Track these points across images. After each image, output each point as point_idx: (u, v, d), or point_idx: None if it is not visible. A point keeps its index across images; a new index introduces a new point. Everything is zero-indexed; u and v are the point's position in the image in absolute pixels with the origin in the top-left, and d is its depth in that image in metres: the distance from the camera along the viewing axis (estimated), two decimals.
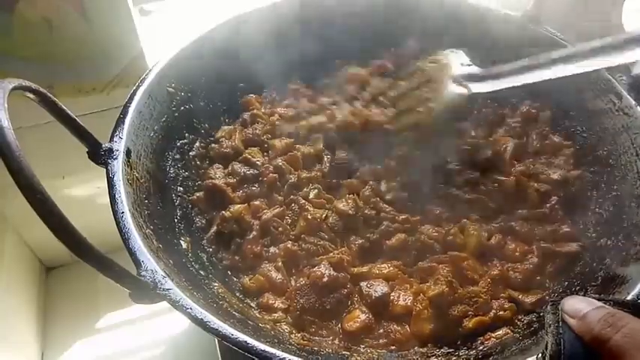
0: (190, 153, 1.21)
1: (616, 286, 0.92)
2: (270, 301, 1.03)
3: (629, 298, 0.85)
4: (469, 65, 1.20)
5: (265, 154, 1.27)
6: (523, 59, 1.10)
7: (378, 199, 1.19)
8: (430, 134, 1.21)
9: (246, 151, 1.25)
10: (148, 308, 0.86)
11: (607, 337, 0.59)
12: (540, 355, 0.65)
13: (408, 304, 1.02)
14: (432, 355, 0.96)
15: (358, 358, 0.95)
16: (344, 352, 0.96)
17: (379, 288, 1.04)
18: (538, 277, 1.08)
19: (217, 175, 1.19)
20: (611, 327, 0.60)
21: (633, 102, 1.10)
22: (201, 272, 1.01)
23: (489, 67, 1.18)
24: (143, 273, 0.79)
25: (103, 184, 0.90)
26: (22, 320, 1.60)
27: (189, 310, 0.77)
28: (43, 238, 1.67)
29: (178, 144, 1.19)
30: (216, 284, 1.01)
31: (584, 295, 0.95)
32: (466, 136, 1.33)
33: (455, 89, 1.16)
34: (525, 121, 1.32)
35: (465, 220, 1.16)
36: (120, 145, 0.95)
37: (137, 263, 0.81)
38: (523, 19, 1.28)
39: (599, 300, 0.66)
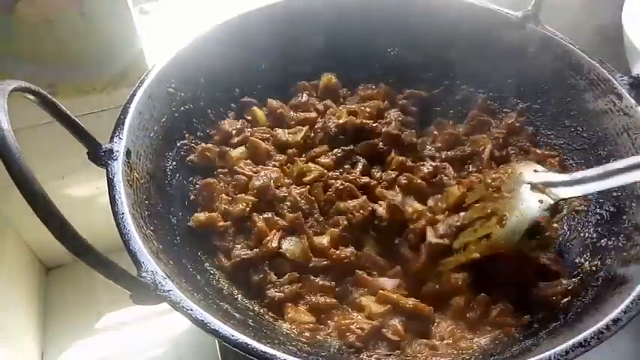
0: (190, 153, 1.21)
1: (617, 286, 0.92)
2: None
3: (630, 298, 0.85)
4: (545, 172, 1.08)
5: None
6: (606, 165, 1.00)
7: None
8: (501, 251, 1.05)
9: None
10: (148, 308, 0.87)
11: None
12: None
13: None
14: None
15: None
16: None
17: None
18: None
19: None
20: None
21: (634, 102, 1.10)
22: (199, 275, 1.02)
23: (570, 169, 1.20)
24: (143, 274, 0.79)
25: (103, 184, 0.91)
26: (22, 320, 1.60)
27: (189, 312, 0.78)
28: (43, 238, 1.65)
29: (178, 144, 1.18)
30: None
31: None
32: (447, 128, 1.38)
33: (533, 197, 1.02)
34: (509, 132, 1.33)
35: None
36: (120, 146, 0.95)
37: (137, 264, 0.81)
38: (523, 18, 1.28)
39: None
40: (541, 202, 1.00)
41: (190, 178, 1.19)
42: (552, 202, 1.00)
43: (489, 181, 1.13)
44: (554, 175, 1.05)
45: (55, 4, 1.23)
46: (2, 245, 1.57)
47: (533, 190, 1.03)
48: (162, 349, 1.66)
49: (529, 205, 1.01)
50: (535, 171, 1.07)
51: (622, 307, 0.84)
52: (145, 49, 1.41)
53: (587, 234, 1.12)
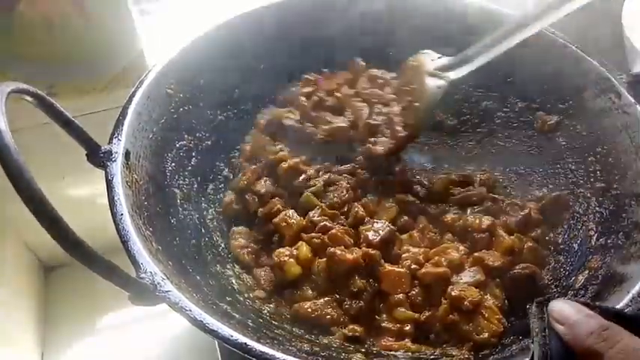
0: (190, 154, 1.22)
1: (616, 284, 0.92)
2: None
3: (629, 296, 0.85)
4: (439, 58, 1.23)
5: None
6: (484, 39, 1.15)
7: None
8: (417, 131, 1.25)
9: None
10: (148, 308, 0.86)
11: (601, 352, 0.58)
12: None
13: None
14: None
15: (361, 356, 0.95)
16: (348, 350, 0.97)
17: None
18: None
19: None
20: (605, 342, 0.59)
21: (633, 100, 1.10)
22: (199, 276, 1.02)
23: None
24: (142, 275, 0.79)
25: (103, 185, 0.90)
26: (22, 320, 1.60)
27: (188, 312, 0.77)
28: (43, 238, 1.65)
29: (177, 145, 1.18)
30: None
31: (575, 298, 0.96)
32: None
33: (433, 82, 1.19)
34: None
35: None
36: (119, 147, 0.94)
37: (136, 265, 0.81)
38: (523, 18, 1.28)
39: (585, 306, 0.65)
40: (439, 87, 1.19)
41: (190, 179, 1.20)
42: (447, 83, 1.18)
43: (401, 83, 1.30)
44: (445, 60, 1.22)
45: (56, 5, 1.23)
46: (2, 245, 1.57)
47: (432, 77, 1.20)
48: (162, 349, 1.66)
49: (431, 90, 1.19)
50: (432, 60, 1.24)
51: (621, 305, 0.84)
52: (145, 50, 1.41)
53: (586, 233, 1.12)
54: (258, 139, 1.31)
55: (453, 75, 1.18)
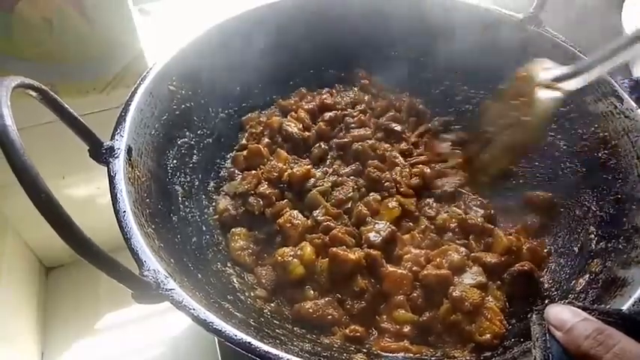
0: (191, 151, 1.22)
1: (617, 288, 0.92)
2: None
3: (630, 300, 0.85)
4: (554, 67, 1.14)
5: None
6: (601, 49, 1.04)
7: None
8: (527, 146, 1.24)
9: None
10: (148, 308, 0.86)
11: (597, 356, 0.59)
12: None
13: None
14: None
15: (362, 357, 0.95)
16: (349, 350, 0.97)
17: None
18: None
19: None
20: (602, 346, 0.59)
21: (634, 105, 1.10)
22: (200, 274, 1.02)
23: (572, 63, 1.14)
24: (146, 273, 0.78)
25: (103, 184, 0.90)
26: (22, 320, 1.60)
27: (192, 311, 0.77)
28: (43, 238, 1.66)
29: (179, 142, 1.19)
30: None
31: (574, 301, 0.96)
32: None
33: (546, 94, 1.11)
34: None
35: None
36: (121, 144, 0.94)
37: (139, 263, 0.80)
38: (524, 20, 1.28)
39: (583, 309, 0.65)
40: (553, 99, 1.09)
41: (191, 177, 1.20)
42: (563, 95, 1.09)
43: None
44: (560, 70, 1.10)
45: (55, 4, 1.23)
46: (2, 245, 1.56)
47: (545, 89, 1.11)
48: (162, 349, 1.65)
49: (544, 103, 1.10)
50: (544, 69, 1.14)
51: (623, 309, 0.84)
52: (145, 49, 1.41)
53: (587, 236, 1.12)
54: (255, 149, 1.31)
55: (570, 86, 1.09)
